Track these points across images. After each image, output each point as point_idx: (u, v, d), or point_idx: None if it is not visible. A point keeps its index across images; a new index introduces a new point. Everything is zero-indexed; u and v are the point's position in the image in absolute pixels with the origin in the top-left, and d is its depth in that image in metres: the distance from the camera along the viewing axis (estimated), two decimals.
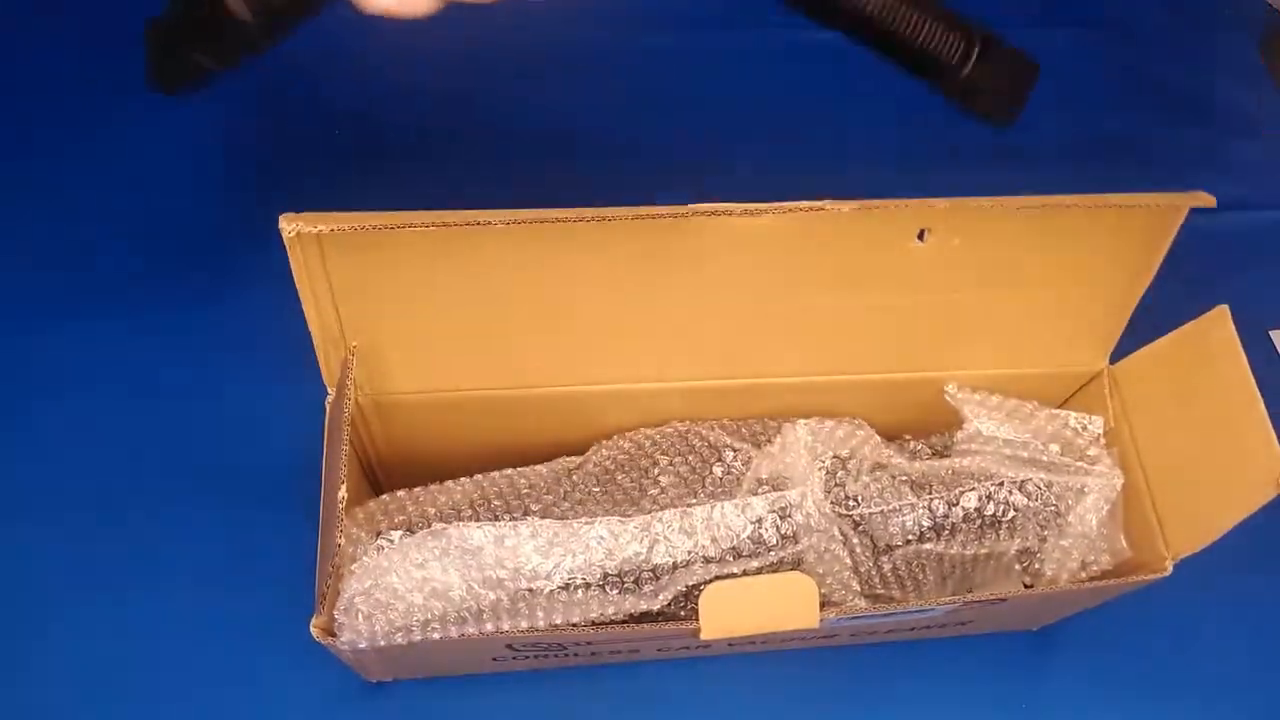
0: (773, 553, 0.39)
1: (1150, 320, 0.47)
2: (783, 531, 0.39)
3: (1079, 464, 0.44)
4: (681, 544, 0.38)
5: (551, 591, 0.37)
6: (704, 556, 0.38)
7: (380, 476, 0.46)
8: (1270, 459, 0.38)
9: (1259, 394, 0.39)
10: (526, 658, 0.41)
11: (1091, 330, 0.46)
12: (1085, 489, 0.43)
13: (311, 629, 0.34)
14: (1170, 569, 0.41)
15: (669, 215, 0.35)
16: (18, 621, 0.46)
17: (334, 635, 0.35)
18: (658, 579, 0.38)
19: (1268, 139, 0.64)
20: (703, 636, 0.37)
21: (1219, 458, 0.40)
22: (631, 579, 0.37)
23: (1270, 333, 0.57)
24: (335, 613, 0.35)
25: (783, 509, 0.39)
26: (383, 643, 0.35)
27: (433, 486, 0.40)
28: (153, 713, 0.44)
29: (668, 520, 0.38)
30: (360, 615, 0.35)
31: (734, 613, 0.37)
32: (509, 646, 0.39)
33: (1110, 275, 0.44)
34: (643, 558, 0.38)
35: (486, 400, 0.43)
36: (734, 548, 0.39)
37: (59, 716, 0.44)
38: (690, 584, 0.38)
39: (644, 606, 0.37)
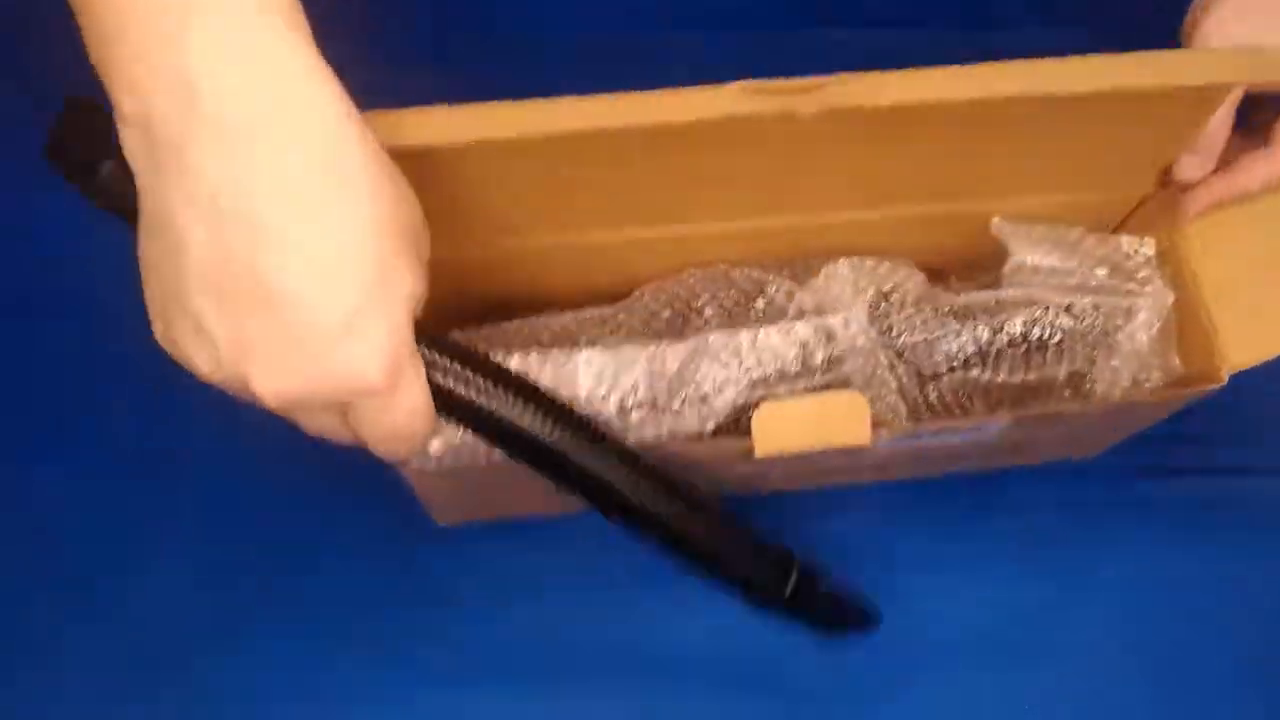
0: (818, 375, 0.40)
1: None
2: (828, 354, 0.40)
3: (1129, 285, 0.43)
4: (730, 366, 0.38)
5: (607, 418, 0.38)
6: (750, 380, 0.39)
7: None
8: None
9: None
10: None
11: (1140, 152, 0.45)
12: (1135, 309, 0.43)
13: None
14: (1225, 379, 0.41)
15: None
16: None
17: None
18: (705, 403, 0.39)
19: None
20: (756, 455, 0.38)
21: None
22: (680, 401, 0.38)
23: None
24: None
25: (828, 332, 0.40)
26: (449, 463, 0.36)
27: (484, 328, 0.41)
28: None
29: (714, 343, 0.38)
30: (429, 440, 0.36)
31: (786, 431, 0.38)
32: None
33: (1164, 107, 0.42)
34: (691, 382, 0.38)
35: (531, 250, 0.44)
36: (780, 370, 0.39)
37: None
38: (739, 405, 0.38)
39: (695, 428, 0.38)
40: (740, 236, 0.46)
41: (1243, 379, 0.50)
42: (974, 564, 0.49)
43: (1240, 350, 0.41)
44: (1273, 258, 0.43)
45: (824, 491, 0.50)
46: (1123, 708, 0.47)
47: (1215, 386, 0.41)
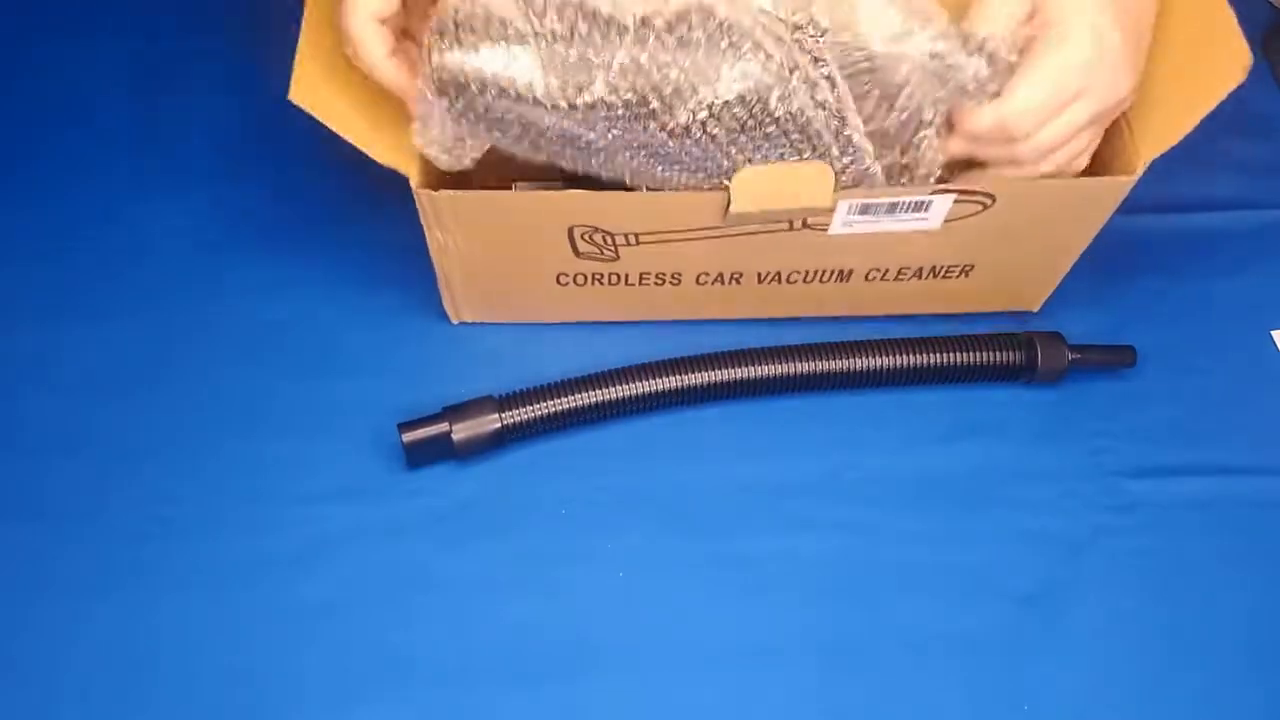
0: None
1: (1149, 320, 0.56)
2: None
3: None
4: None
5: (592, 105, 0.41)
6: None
7: None
8: (1238, 49, 0.44)
9: None
10: (587, 247, 0.49)
11: None
12: None
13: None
14: (1140, 171, 0.47)
15: None
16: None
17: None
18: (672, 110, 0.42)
19: (1269, 138, 0.63)
20: (733, 210, 0.44)
21: (1186, 62, 0.46)
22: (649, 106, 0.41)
23: (1271, 333, 0.58)
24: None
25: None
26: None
27: None
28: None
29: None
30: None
31: (760, 190, 0.44)
32: (569, 234, 0.47)
33: None
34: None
35: None
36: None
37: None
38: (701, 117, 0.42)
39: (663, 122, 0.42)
40: None
41: (1242, 382, 0.55)
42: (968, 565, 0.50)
43: (1151, 140, 0.47)
44: (1178, 46, 0.46)
45: None
46: (1117, 706, 0.48)
47: (1131, 178, 0.47)
